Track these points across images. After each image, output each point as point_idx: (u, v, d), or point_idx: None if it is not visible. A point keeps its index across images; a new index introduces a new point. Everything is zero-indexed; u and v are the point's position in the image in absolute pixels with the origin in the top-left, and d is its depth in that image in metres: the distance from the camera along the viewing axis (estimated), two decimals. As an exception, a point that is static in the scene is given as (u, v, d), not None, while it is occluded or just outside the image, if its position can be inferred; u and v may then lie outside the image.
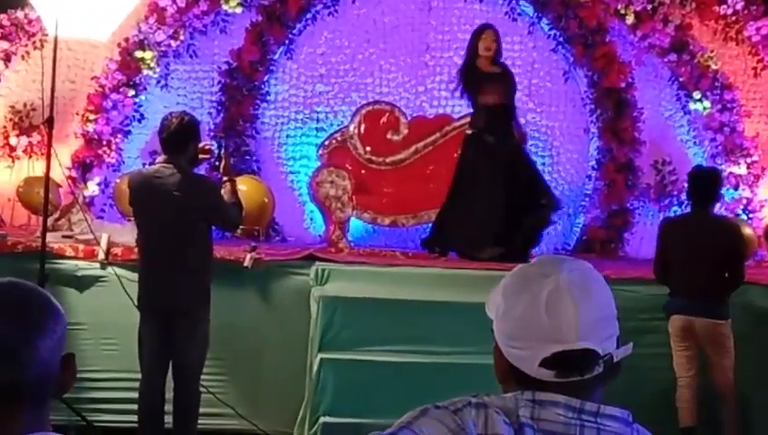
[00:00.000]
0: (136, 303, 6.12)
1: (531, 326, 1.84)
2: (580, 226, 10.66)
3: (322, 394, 6.56)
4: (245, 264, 7.25)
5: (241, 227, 8.72)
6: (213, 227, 6.15)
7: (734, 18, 10.55)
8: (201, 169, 6.44)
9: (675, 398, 6.88)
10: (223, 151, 6.22)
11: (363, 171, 9.81)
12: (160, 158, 6.00)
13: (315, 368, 6.57)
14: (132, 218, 6.50)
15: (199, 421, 6.21)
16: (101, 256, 7.24)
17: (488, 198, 8.38)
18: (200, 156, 6.08)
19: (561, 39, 10.59)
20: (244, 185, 9.01)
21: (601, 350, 1.83)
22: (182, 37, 10.03)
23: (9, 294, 1.83)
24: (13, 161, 9.69)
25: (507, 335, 1.89)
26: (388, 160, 9.97)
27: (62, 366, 1.85)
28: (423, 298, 7.16)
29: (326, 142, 10.11)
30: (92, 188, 9.62)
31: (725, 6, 10.49)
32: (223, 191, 6.08)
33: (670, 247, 6.96)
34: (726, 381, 6.81)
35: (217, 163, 6.16)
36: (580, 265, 1.93)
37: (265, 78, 10.35)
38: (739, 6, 10.46)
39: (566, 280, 1.85)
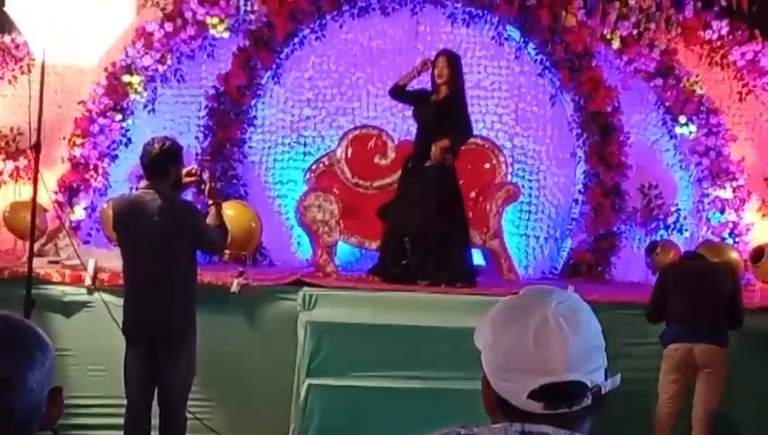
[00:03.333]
0: (121, 328, 6.09)
1: (519, 358, 1.84)
2: (567, 250, 10.68)
3: (310, 420, 6.53)
4: (233, 289, 7.24)
5: (228, 251, 8.73)
6: (198, 252, 6.12)
7: (719, 43, 10.64)
8: (188, 194, 6.41)
9: (654, 421, 6.90)
10: (208, 175, 6.20)
11: (350, 195, 9.82)
12: (143, 183, 5.99)
13: (303, 394, 6.55)
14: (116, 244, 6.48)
15: (186, 447, 6.18)
16: (88, 281, 7.23)
17: (409, 225, 8.43)
18: (185, 180, 6.06)
19: (547, 63, 10.63)
20: (232, 210, 8.99)
21: (590, 381, 1.83)
22: (169, 62, 10.04)
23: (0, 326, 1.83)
24: (-1, 186, 9.67)
25: (495, 367, 1.89)
26: (375, 184, 9.98)
27: (50, 399, 1.84)
28: (411, 323, 7.15)
29: (313, 166, 10.11)
30: (79, 212, 9.58)
31: (710, 31, 10.57)
32: (209, 216, 6.06)
33: (671, 288, 6.95)
34: (710, 408, 6.82)
35: (203, 187, 6.14)
36: (568, 297, 1.93)
37: (253, 102, 10.36)
38: (724, 31, 10.54)
39: (554, 312, 1.85)
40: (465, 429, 1.86)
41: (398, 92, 8.64)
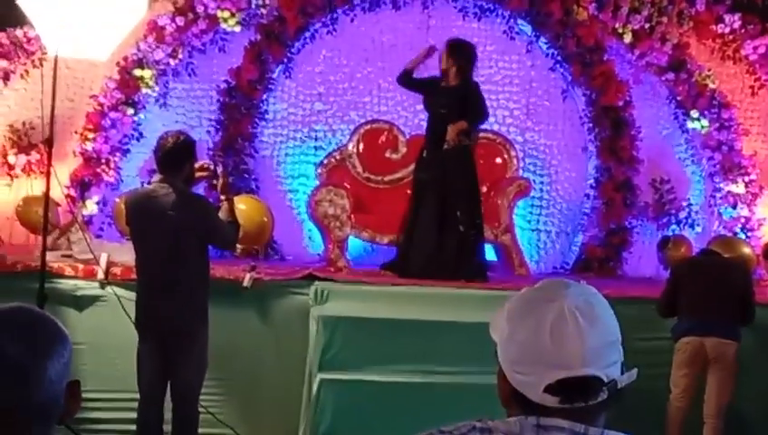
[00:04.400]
0: (133, 322, 6.10)
1: (535, 352, 1.83)
2: (579, 244, 10.67)
3: (322, 415, 6.52)
4: (245, 283, 7.24)
5: (240, 246, 8.74)
6: (210, 246, 6.12)
7: (731, 37, 10.61)
8: (199, 188, 6.41)
9: (666, 415, 6.89)
10: (220, 170, 6.20)
11: (362, 190, 9.82)
12: (156, 177, 5.98)
13: (315, 388, 6.54)
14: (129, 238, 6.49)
15: (198, 442, 6.18)
16: (101, 275, 7.23)
17: (429, 218, 8.39)
18: (197, 175, 6.06)
19: (559, 58, 10.63)
20: (244, 204, 9.02)
21: (605, 376, 1.82)
22: (181, 56, 10.06)
23: (19, 318, 1.84)
24: (11, 180, 9.69)
25: (511, 360, 1.88)
26: (386, 179, 9.99)
27: (68, 392, 1.85)
28: (423, 318, 7.14)
29: (325, 161, 10.12)
30: (91, 206, 9.61)
31: (723, 25, 10.54)
32: (221, 210, 6.06)
33: (684, 283, 6.94)
34: (722, 403, 6.81)
35: (215, 182, 6.14)
36: (585, 290, 1.92)
37: (264, 97, 10.38)
38: (736, 25, 10.51)
39: (571, 305, 1.84)
40: (481, 422, 1.86)
41: (406, 79, 8.54)
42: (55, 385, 1.81)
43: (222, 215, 6.01)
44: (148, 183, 6.15)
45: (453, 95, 8.30)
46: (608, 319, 1.88)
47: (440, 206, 8.30)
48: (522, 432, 1.82)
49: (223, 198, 6.09)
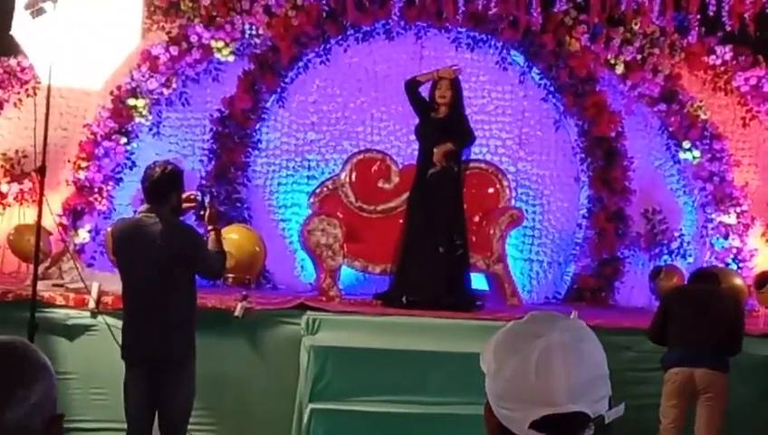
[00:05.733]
0: (120, 352, 6.07)
1: (520, 388, 1.82)
2: (571, 274, 10.67)
3: (313, 445, 6.51)
4: (236, 313, 7.23)
5: (232, 275, 8.73)
6: (197, 277, 6.10)
7: (722, 68, 10.66)
8: (188, 219, 6.40)
9: None
10: (208, 201, 6.19)
11: (354, 219, 9.83)
12: (143, 207, 5.97)
13: (306, 418, 6.53)
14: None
15: (187, 472, 6.15)
16: (92, 304, 7.22)
17: (419, 246, 8.44)
18: (184, 205, 6.05)
19: (551, 88, 10.67)
20: (236, 233, 9.03)
21: (592, 412, 1.81)
22: (174, 85, 10.07)
23: None
24: (3, 208, 9.67)
25: (497, 395, 1.87)
26: (379, 208, 9.99)
27: (46, 430, 1.80)
28: (415, 348, 7.14)
29: (317, 190, 10.12)
30: (83, 235, 9.59)
31: (714, 57, 10.60)
32: (209, 241, 6.05)
33: (673, 312, 6.94)
34: (712, 433, 6.79)
35: (202, 213, 6.13)
36: (572, 325, 1.90)
37: (257, 126, 10.39)
38: (728, 57, 10.57)
39: (557, 341, 1.83)
40: None
41: (413, 87, 8.65)
42: (20, 430, 1.76)
43: (210, 245, 6.01)
44: (136, 212, 6.14)
45: (442, 126, 8.41)
46: (595, 354, 1.87)
47: (428, 232, 8.35)
48: None
49: (210, 228, 6.08)
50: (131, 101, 9.85)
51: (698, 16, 10.08)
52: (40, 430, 1.80)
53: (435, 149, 8.35)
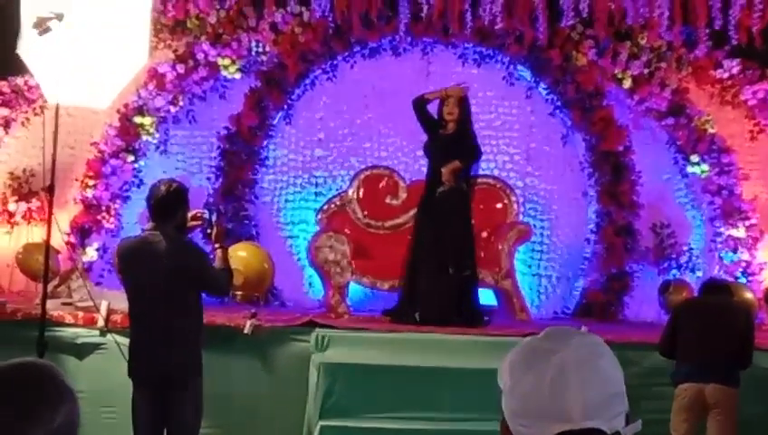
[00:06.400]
0: (127, 371, 6.06)
1: (536, 405, 1.82)
2: (580, 289, 10.65)
3: (323, 462, 6.50)
4: (245, 331, 7.21)
5: (240, 292, 8.73)
6: (204, 294, 6.09)
7: (730, 82, 10.66)
8: (195, 236, 6.40)
9: None
10: (215, 219, 6.18)
11: (362, 236, 9.82)
12: (149, 225, 5.96)
13: (316, 435, 6.52)
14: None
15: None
16: (101, 323, 7.21)
17: (426, 263, 8.43)
18: (190, 223, 6.04)
19: (558, 103, 10.67)
20: (244, 251, 9.03)
21: (608, 428, 1.80)
22: (181, 103, 10.10)
23: (17, 378, 1.80)
24: (12, 227, 9.69)
25: (513, 412, 1.87)
26: (387, 225, 9.99)
27: None
28: (424, 364, 7.12)
29: (325, 207, 10.13)
30: (91, 253, 9.60)
31: (722, 71, 10.60)
32: (215, 258, 6.04)
33: (683, 326, 6.90)
34: None
35: (209, 231, 6.12)
36: (588, 341, 1.89)
37: (264, 143, 10.41)
38: (735, 70, 10.56)
39: (573, 357, 1.82)
40: None
41: (421, 105, 8.65)
42: None
43: (216, 263, 6.00)
44: (142, 230, 6.13)
45: (449, 143, 8.41)
46: (611, 370, 1.86)
47: (436, 249, 8.34)
48: None
49: (217, 245, 6.07)
50: (138, 119, 9.87)
51: (706, 30, 10.07)
52: None
53: (443, 169, 8.33)
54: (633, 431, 1.84)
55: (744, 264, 10.41)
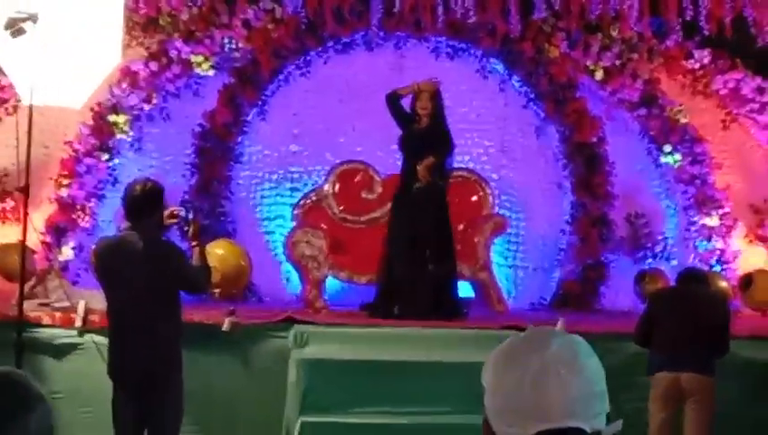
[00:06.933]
0: (107, 371, 6.05)
1: (517, 404, 1.83)
2: (556, 280, 10.70)
3: (304, 458, 6.51)
4: (224, 328, 7.21)
5: (218, 290, 8.72)
6: (182, 293, 6.09)
7: (701, 72, 10.73)
8: (172, 234, 6.39)
9: None
10: (192, 217, 6.17)
11: (339, 230, 9.83)
12: (125, 225, 5.97)
13: (296, 432, 6.52)
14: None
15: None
16: (79, 323, 7.19)
17: (403, 258, 8.46)
18: (167, 221, 6.04)
19: (532, 95, 10.72)
20: (221, 249, 9.03)
21: (589, 428, 1.82)
22: (155, 100, 10.06)
23: None
24: (-15, 227, 9.63)
25: (495, 411, 1.88)
26: (363, 219, 10.00)
27: None
28: (404, 359, 7.14)
29: (301, 202, 10.13)
30: (67, 252, 9.55)
31: (693, 61, 10.67)
32: (193, 256, 6.04)
33: (659, 316, 6.93)
34: None
35: (186, 229, 6.11)
36: (569, 341, 1.91)
37: (239, 139, 10.40)
38: (706, 60, 10.63)
39: (554, 357, 1.84)
40: None
41: (394, 100, 8.67)
42: None
43: (194, 260, 6.00)
44: (119, 230, 6.12)
45: (424, 137, 8.43)
46: (593, 370, 1.87)
47: (413, 245, 8.36)
48: None
49: (194, 243, 6.07)
50: (112, 118, 9.83)
51: (677, 21, 10.12)
52: None
53: (417, 166, 8.36)
54: (614, 431, 1.86)
55: (718, 252, 10.49)
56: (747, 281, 9.93)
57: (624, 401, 6.93)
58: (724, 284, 9.77)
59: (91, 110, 9.72)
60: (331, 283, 9.71)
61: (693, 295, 6.98)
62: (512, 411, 1.84)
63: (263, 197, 10.57)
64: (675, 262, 10.60)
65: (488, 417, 1.91)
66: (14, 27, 6.04)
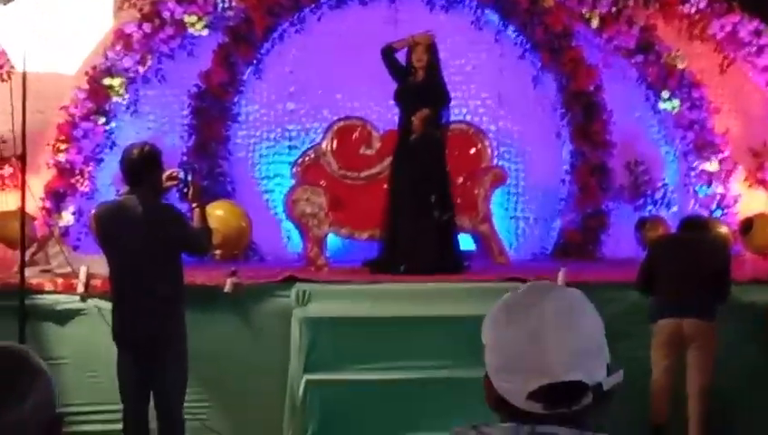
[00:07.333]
0: (111, 334, 6.08)
1: (517, 360, 1.83)
2: (557, 230, 10.72)
3: (310, 415, 6.53)
4: (226, 289, 7.22)
5: (219, 251, 8.73)
6: (183, 255, 6.10)
7: (697, 17, 10.64)
8: (172, 196, 6.39)
9: (651, 395, 6.91)
10: (191, 178, 6.16)
11: (338, 187, 9.83)
12: (124, 189, 5.98)
13: (301, 390, 6.55)
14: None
15: (188, 449, 6.19)
16: (81, 288, 7.19)
17: (406, 211, 8.46)
18: (166, 184, 6.04)
19: (527, 45, 10.67)
20: (221, 210, 9.03)
21: (589, 380, 1.82)
22: (150, 62, 10.00)
23: None
24: (-16, 195, 9.61)
25: (495, 368, 1.88)
26: (362, 175, 9.99)
27: (45, 432, 1.80)
28: (406, 314, 7.16)
29: (299, 160, 10.11)
30: (67, 217, 9.56)
31: (689, 5, 10.59)
32: (193, 218, 6.05)
33: (660, 263, 6.96)
34: (704, 382, 6.84)
35: (186, 190, 6.11)
36: (568, 295, 1.90)
37: (235, 99, 10.37)
38: (702, 5, 10.55)
39: (552, 311, 1.84)
40: (476, 430, 1.85)
41: (389, 54, 8.62)
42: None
43: (195, 222, 6.01)
44: (118, 195, 6.12)
45: (420, 91, 8.41)
46: (591, 323, 1.87)
47: (414, 196, 8.36)
48: None
49: (194, 205, 6.07)
50: (107, 81, 9.78)
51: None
52: (39, 433, 1.80)
53: (413, 118, 8.35)
54: (615, 382, 1.86)
55: (718, 197, 10.48)
56: (747, 225, 9.93)
57: (626, 348, 6.93)
58: (724, 229, 9.77)
59: (86, 74, 9.67)
60: (332, 240, 9.72)
61: (693, 242, 7.01)
62: (511, 368, 1.84)
63: (261, 156, 10.55)
64: (675, 208, 10.60)
65: (488, 373, 1.91)
66: (5, -6, 6.01)
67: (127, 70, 9.87)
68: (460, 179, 9.80)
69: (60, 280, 7.41)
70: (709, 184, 10.48)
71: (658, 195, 10.72)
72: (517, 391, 1.83)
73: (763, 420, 7.41)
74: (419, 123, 8.35)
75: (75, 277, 7.25)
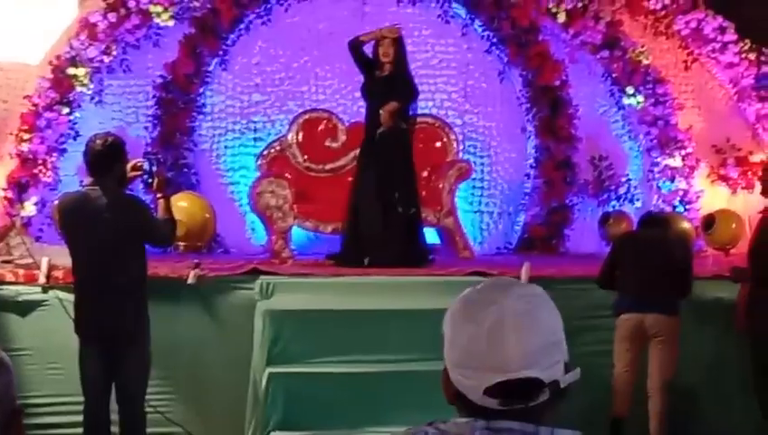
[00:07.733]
0: (74, 327, 6.04)
1: (474, 356, 1.83)
2: (521, 224, 10.76)
3: (272, 408, 6.50)
4: (189, 281, 7.19)
5: (183, 243, 8.69)
6: (147, 246, 6.07)
7: (663, 13, 10.72)
8: (136, 187, 6.36)
9: (613, 390, 6.96)
10: (155, 169, 6.13)
11: (303, 180, 9.81)
12: (87, 180, 5.94)
13: (264, 382, 6.53)
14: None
15: (149, 442, 6.16)
16: (42, 279, 7.14)
17: (370, 205, 8.45)
18: (130, 174, 6.01)
19: (494, 40, 10.69)
20: (185, 201, 8.99)
21: (546, 377, 1.82)
22: (115, 52, 9.95)
23: None
24: (-54, 185, 9.53)
25: (453, 363, 1.89)
26: (327, 168, 9.99)
27: (6, 423, 1.80)
28: (370, 307, 7.15)
29: (265, 152, 10.08)
30: (29, 208, 9.48)
31: (654, 1, 10.65)
32: (158, 209, 6.03)
33: (622, 260, 7.02)
34: (666, 377, 6.89)
35: (150, 181, 6.08)
36: (528, 292, 1.90)
37: (201, 90, 10.33)
38: (668, 1, 10.60)
39: (511, 309, 1.84)
40: (433, 426, 1.86)
41: (357, 47, 8.58)
42: None
43: (159, 213, 6.00)
44: (81, 186, 6.08)
45: (387, 84, 8.40)
46: (549, 320, 1.87)
47: (380, 191, 8.35)
48: None
49: (159, 195, 6.05)
50: (71, 71, 9.70)
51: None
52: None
53: (381, 111, 8.34)
54: (571, 380, 1.87)
55: (681, 192, 10.55)
56: (709, 221, 10.01)
57: (589, 342, 7.02)
58: (686, 225, 9.84)
59: (50, 63, 9.60)
60: (297, 233, 9.71)
61: (654, 239, 7.08)
62: (469, 363, 1.84)
63: (226, 147, 10.53)
64: (639, 203, 10.68)
65: (447, 368, 1.91)
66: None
67: (91, 60, 9.80)
68: (425, 173, 9.81)
69: (21, 271, 7.35)
70: (672, 180, 10.55)
71: (622, 190, 10.78)
72: (474, 387, 1.83)
73: (723, 414, 7.48)
74: (388, 116, 8.33)
75: (37, 268, 7.20)
